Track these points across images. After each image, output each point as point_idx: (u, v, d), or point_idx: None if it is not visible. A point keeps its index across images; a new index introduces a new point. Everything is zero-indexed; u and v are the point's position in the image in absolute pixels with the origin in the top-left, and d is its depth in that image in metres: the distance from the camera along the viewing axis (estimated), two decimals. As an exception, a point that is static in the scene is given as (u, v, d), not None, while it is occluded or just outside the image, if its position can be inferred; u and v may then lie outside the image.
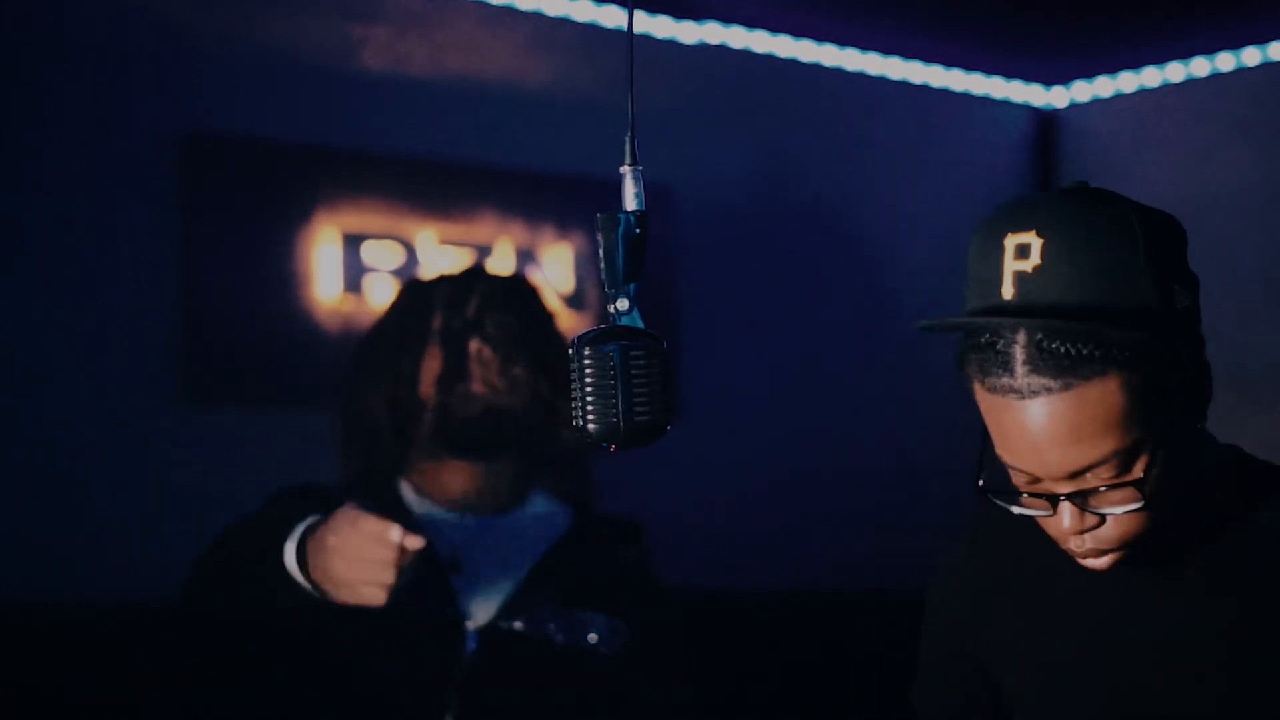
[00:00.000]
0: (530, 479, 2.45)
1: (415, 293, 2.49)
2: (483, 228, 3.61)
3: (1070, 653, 1.55)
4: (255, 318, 3.34)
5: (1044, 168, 4.45)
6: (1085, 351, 1.35)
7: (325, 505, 2.34)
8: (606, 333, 1.26)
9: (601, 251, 1.27)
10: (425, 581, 2.29)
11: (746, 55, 3.98)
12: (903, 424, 4.10)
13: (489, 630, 2.30)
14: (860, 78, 4.15)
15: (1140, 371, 1.36)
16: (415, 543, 2.08)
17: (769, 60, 4.02)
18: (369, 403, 2.42)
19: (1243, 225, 4.01)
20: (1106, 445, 1.37)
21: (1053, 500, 1.42)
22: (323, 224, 3.42)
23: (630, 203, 1.29)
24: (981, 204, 4.58)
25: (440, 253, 3.55)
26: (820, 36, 4.06)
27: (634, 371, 1.24)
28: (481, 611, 2.33)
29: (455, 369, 2.35)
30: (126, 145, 3.23)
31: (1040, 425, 1.38)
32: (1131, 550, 1.45)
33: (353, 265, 3.44)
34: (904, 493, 4.09)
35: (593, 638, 2.32)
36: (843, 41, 4.09)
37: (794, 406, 3.99)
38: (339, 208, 3.44)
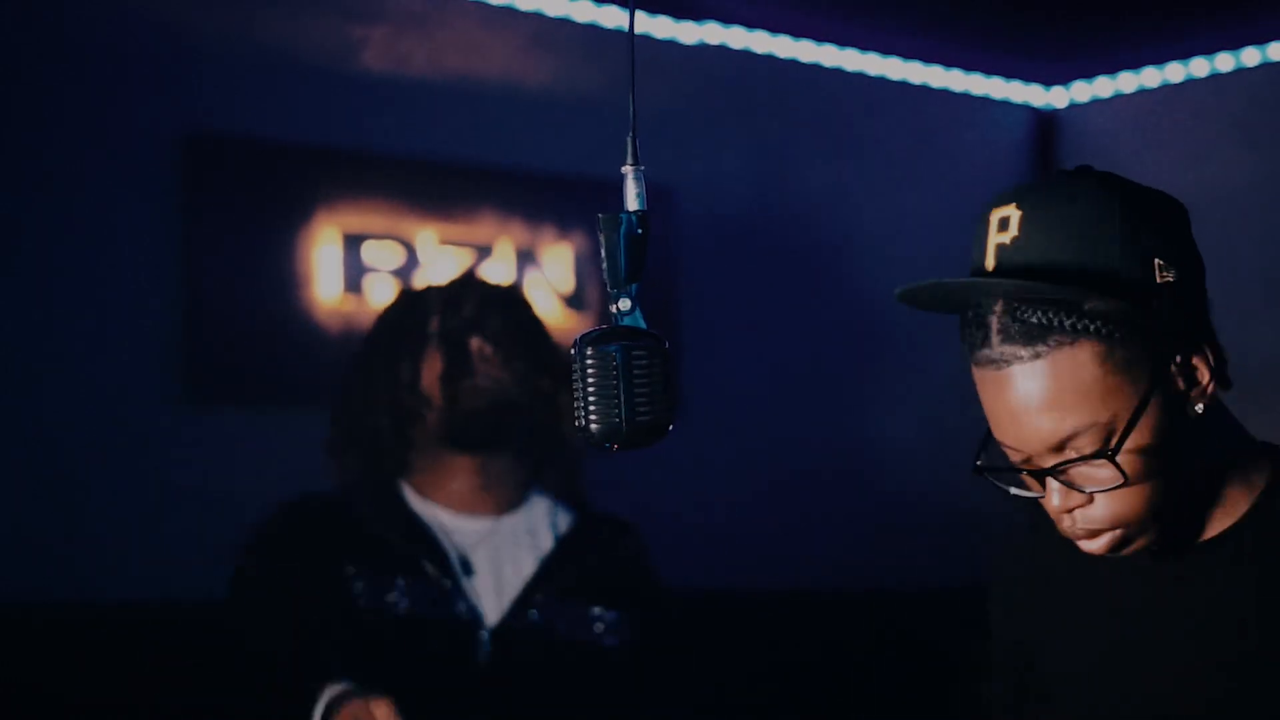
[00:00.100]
0: (530, 478, 2.47)
1: (410, 299, 2.52)
2: (483, 228, 3.61)
3: (1100, 642, 1.55)
4: (255, 318, 3.34)
5: (1043, 168, 4.44)
6: (1054, 318, 1.36)
7: (326, 515, 2.36)
8: (608, 333, 1.26)
9: (603, 251, 1.27)
10: (439, 586, 2.31)
11: (746, 55, 3.98)
12: (902, 424, 4.09)
13: (501, 630, 2.33)
14: (860, 78, 4.15)
15: (1112, 342, 1.37)
16: None
17: (769, 60, 4.02)
18: (368, 408, 2.43)
19: (1242, 225, 4.01)
20: (1080, 417, 1.38)
21: (1041, 478, 1.43)
22: (323, 224, 3.42)
23: (632, 203, 1.29)
24: (981, 204, 4.57)
25: (440, 253, 3.55)
26: (820, 36, 4.06)
27: (636, 371, 1.24)
28: (492, 612, 2.35)
29: (459, 365, 2.37)
30: (126, 145, 3.22)
31: (1013, 395, 1.39)
32: (1131, 533, 1.45)
33: (353, 265, 3.44)
34: (904, 493, 4.09)
35: (599, 627, 2.36)
36: (843, 41, 4.09)
37: (794, 406, 3.99)
38: (339, 208, 3.44)
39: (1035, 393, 1.38)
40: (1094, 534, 1.45)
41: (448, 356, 2.38)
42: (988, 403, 1.43)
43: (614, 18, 3.73)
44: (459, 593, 2.33)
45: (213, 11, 3.33)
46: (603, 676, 2.37)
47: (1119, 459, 1.39)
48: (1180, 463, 1.43)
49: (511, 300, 2.48)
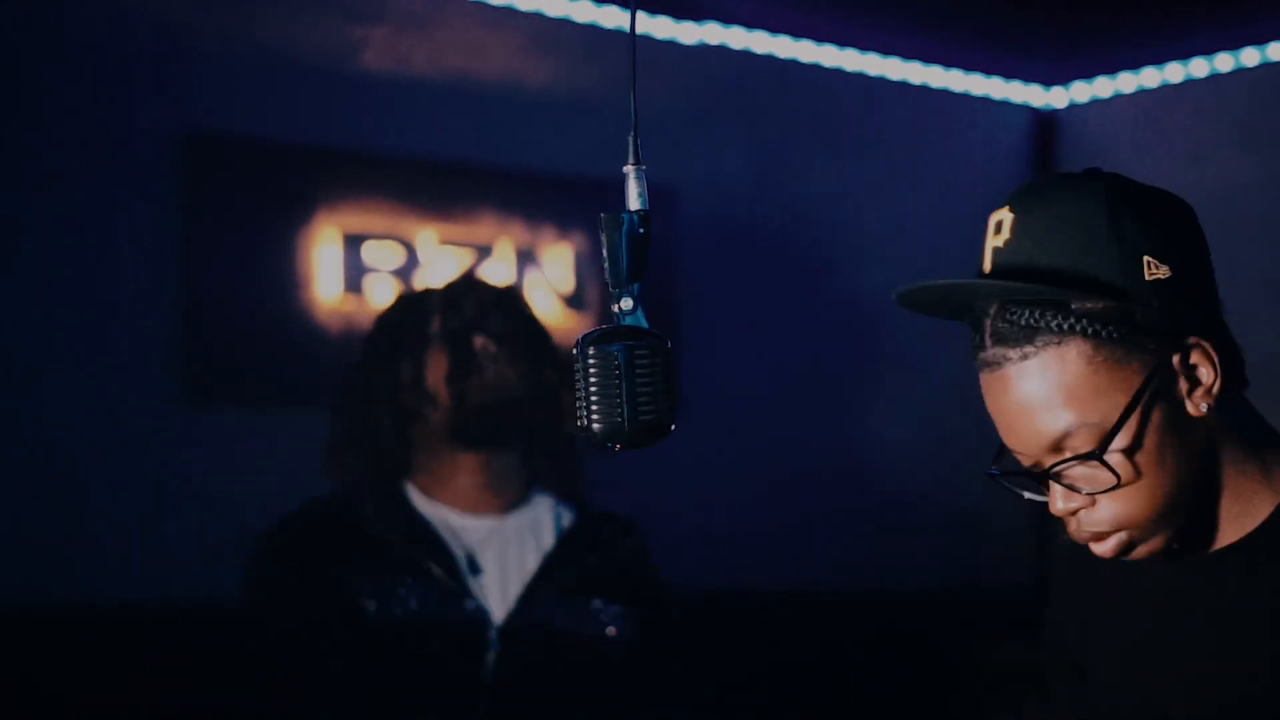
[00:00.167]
0: (532, 477, 2.48)
1: (410, 300, 2.52)
2: (483, 228, 3.61)
3: (1130, 636, 1.55)
4: (256, 318, 3.34)
5: (1043, 168, 4.44)
6: (1041, 318, 1.37)
7: (331, 520, 2.38)
8: (611, 332, 1.26)
9: (605, 251, 1.27)
10: (446, 587, 2.33)
11: (746, 56, 3.98)
12: (902, 424, 4.09)
13: (508, 628, 2.35)
14: (860, 78, 4.15)
15: (1100, 341, 1.37)
16: None
17: (769, 61, 4.02)
18: (370, 410, 2.44)
19: (1242, 225, 4.01)
20: (1071, 417, 1.38)
21: (1043, 481, 1.43)
22: (323, 224, 3.42)
23: (634, 202, 1.29)
24: (981, 204, 4.55)
25: (440, 253, 3.55)
26: (820, 37, 4.06)
27: (638, 371, 1.24)
28: (499, 610, 2.36)
29: (464, 364, 2.38)
30: (126, 145, 3.22)
31: (1006, 396, 1.41)
32: (1138, 536, 1.44)
33: (353, 265, 3.44)
34: (904, 493, 4.09)
35: (603, 623, 2.38)
36: (843, 42, 4.09)
37: (794, 406, 3.99)
38: (339, 208, 3.44)
39: (1026, 393, 1.39)
40: (1099, 536, 1.44)
41: (453, 356, 2.39)
42: (988, 406, 1.44)
43: (614, 18, 3.73)
44: (466, 592, 2.35)
45: (213, 11, 3.33)
46: (608, 672, 2.39)
47: (1114, 459, 1.39)
48: (1184, 463, 1.42)
49: (511, 300, 2.50)
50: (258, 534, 2.47)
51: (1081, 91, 4.41)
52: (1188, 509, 1.45)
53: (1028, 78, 4.38)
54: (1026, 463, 1.44)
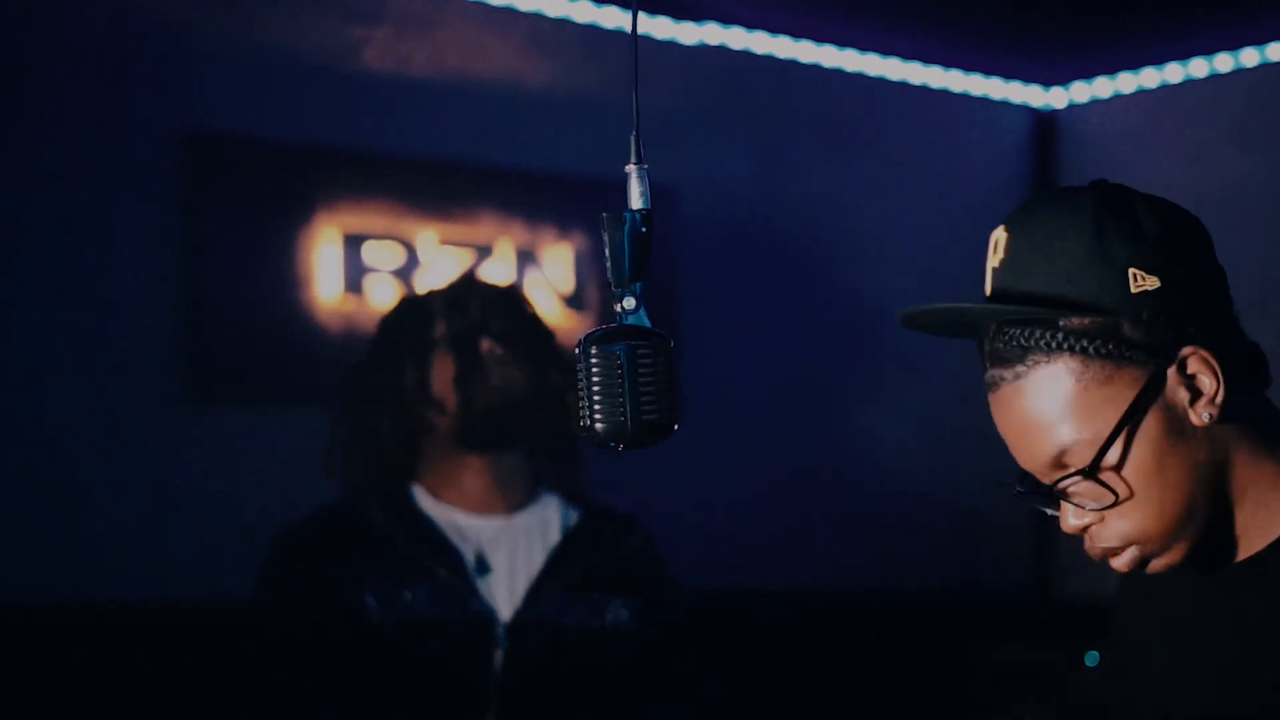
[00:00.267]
0: (539, 476, 2.49)
1: (413, 303, 2.53)
2: (483, 228, 3.60)
3: (1164, 641, 1.54)
4: (256, 318, 3.34)
5: (1043, 168, 4.45)
6: (1030, 337, 1.39)
7: (338, 525, 2.39)
8: (613, 332, 1.26)
9: (607, 250, 1.27)
10: (452, 588, 2.34)
11: (746, 56, 3.98)
12: (902, 424, 4.09)
13: (515, 626, 2.36)
14: (860, 78, 4.15)
15: (1089, 357, 1.38)
16: None
17: (769, 61, 4.02)
18: (375, 414, 2.44)
19: (1241, 225, 4.01)
20: (1065, 434, 1.39)
21: (1055, 499, 1.43)
22: (323, 224, 3.42)
23: (636, 201, 1.29)
24: (980, 204, 4.59)
25: (440, 253, 3.55)
26: (820, 37, 4.05)
27: (641, 370, 1.24)
28: (506, 608, 2.38)
29: (471, 368, 2.38)
30: (126, 145, 3.22)
31: (1005, 416, 1.42)
32: (1151, 551, 1.43)
33: (353, 265, 3.44)
34: (904, 493, 4.09)
35: (609, 618, 2.40)
36: (842, 42, 4.08)
37: (794, 406, 3.99)
38: (339, 208, 3.44)
39: (1022, 412, 1.41)
40: (1111, 552, 1.44)
41: (458, 359, 2.39)
42: (996, 426, 1.45)
43: (614, 18, 3.73)
44: (473, 592, 2.36)
45: (213, 11, 3.33)
46: (616, 667, 2.40)
47: (1110, 476, 1.39)
48: (1191, 475, 1.41)
49: (514, 300, 2.50)
50: (269, 539, 2.48)
51: (1081, 92, 4.41)
52: (1203, 520, 1.43)
53: (1028, 78, 4.38)
54: (1042, 480, 1.45)
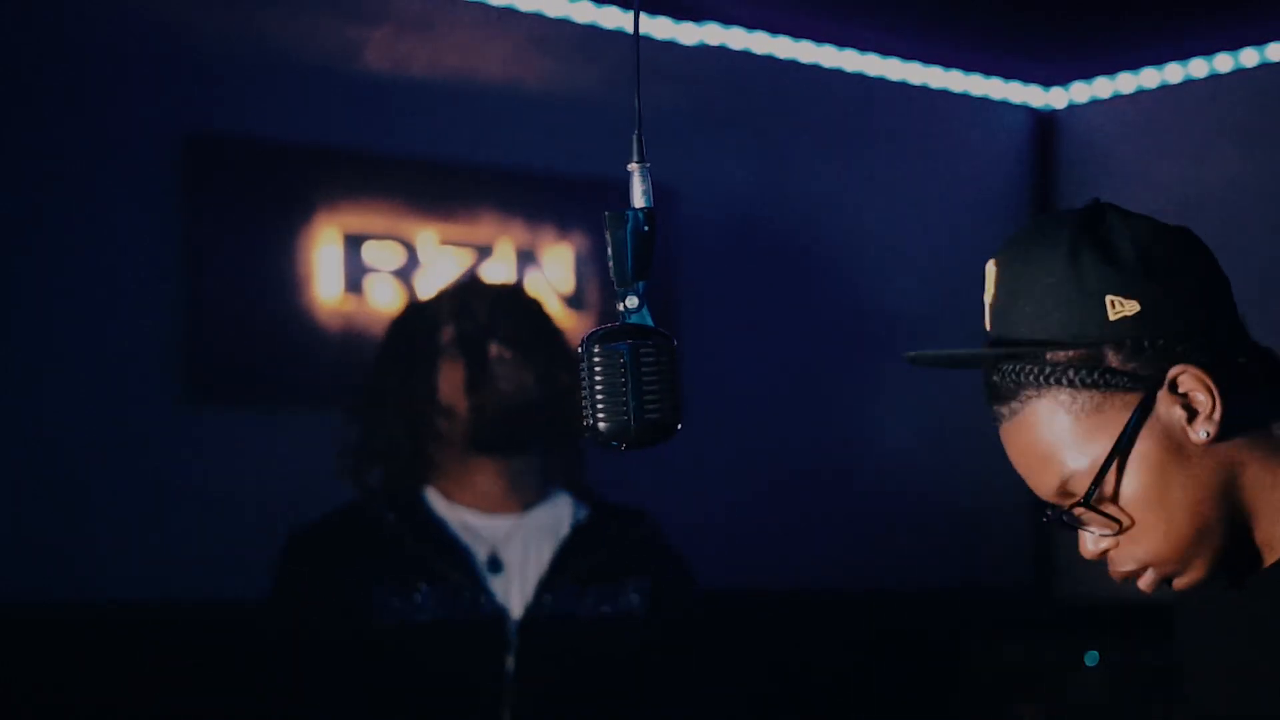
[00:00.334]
0: (551, 475, 2.50)
1: (420, 308, 2.53)
2: (483, 228, 3.60)
3: (1193, 660, 1.55)
4: (256, 318, 3.34)
5: (1042, 168, 4.45)
6: (1020, 374, 1.40)
7: (349, 529, 2.40)
8: (616, 331, 1.26)
9: (610, 249, 1.27)
10: (462, 588, 2.35)
11: (746, 56, 3.98)
12: (902, 424, 4.09)
13: (526, 622, 2.37)
14: (860, 78, 4.15)
15: (1076, 388, 1.39)
16: None
17: (769, 61, 4.02)
18: (386, 420, 2.46)
19: (1240, 225, 4.01)
20: (1063, 466, 1.40)
21: (1074, 527, 1.44)
22: (323, 224, 3.42)
23: (638, 199, 1.28)
24: (980, 204, 4.59)
25: (441, 253, 3.55)
26: (820, 37, 4.05)
27: (644, 369, 1.24)
28: (518, 606, 2.39)
29: (480, 373, 2.39)
30: (127, 145, 3.22)
31: (1010, 450, 1.45)
32: (1171, 571, 1.42)
33: (353, 266, 3.44)
34: (904, 493, 4.09)
35: (620, 607, 2.42)
36: (842, 42, 4.08)
37: (794, 406, 3.99)
38: (340, 208, 3.44)
39: (1022, 446, 1.43)
40: (1131, 574, 1.44)
41: (468, 365, 2.40)
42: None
43: (614, 18, 3.73)
44: (484, 592, 2.37)
45: (213, 12, 3.33)
46: (623, 659, 2.42)
47: (1106, 505, 1.40)
48: (1197, 494, 1.40)
49: (521, 300, 2.51)
50: (272, 540, 2.48)
51: (1081, 92, 4.41)
52: (1220, 535, 1.42)
53: (1027, 78, 4.38)
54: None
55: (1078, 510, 1.41)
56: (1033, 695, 3.78)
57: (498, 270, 3.59)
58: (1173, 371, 1.38)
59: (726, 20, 3.92)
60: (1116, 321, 1.38)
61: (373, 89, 3.49)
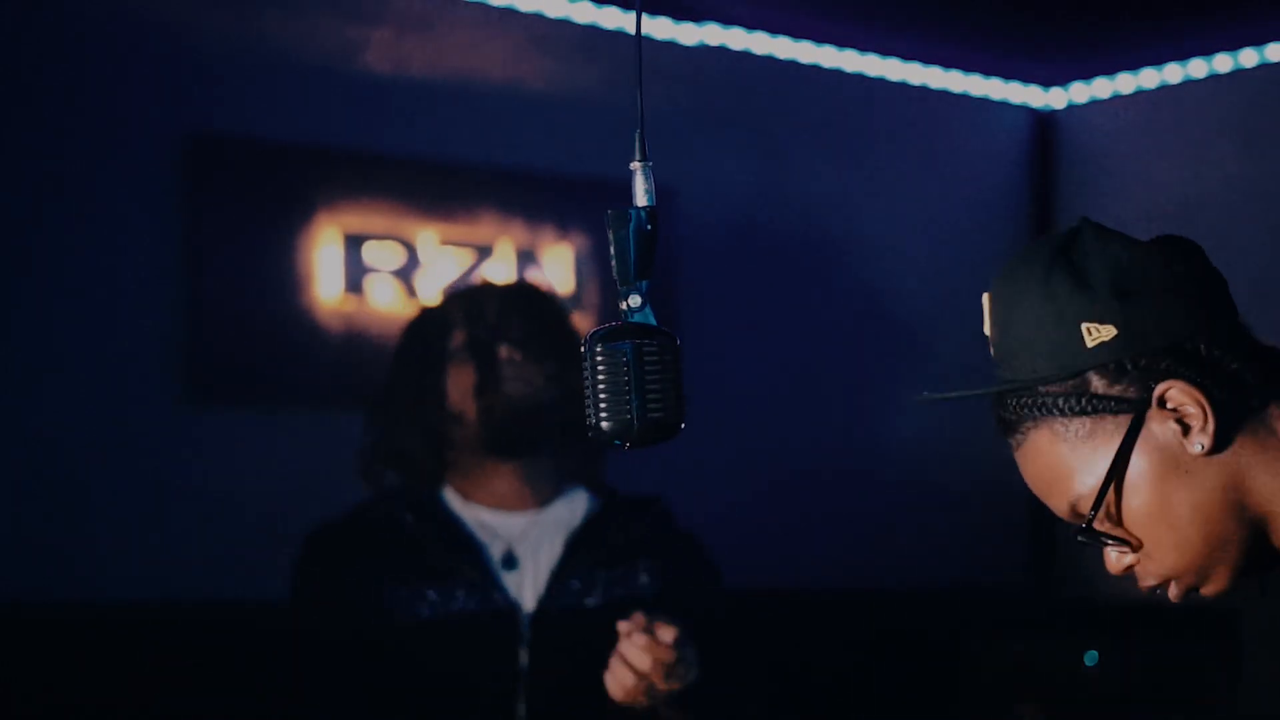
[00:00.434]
0: (568, 472, 2.51)
1: (433, 313, 2.54)
2: (483, 228, 3.61)
3: (1255, 666, 1.54)
4: (256, 318, 3.34)
5: (1042, 169, 4.45)
6: (1017, 407, 1.43)
7: (363, 529, 2.40)
8: (619, 330, 1.26)
9: (613, 248, 1.26)
10: (476, 586, 2.36)
11: (746, 56, 3.98)
12: (902, 424, 4.09)
13: (539, 615, 2.38)
14: (859, 79, 4.15)
15: (1066, 416, 1.40)
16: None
17: (769, 62, 4.02)
18: (401, 425, 2.46)
19: (1239, 225, 4.02)
20: (1067, 492, 1.42)
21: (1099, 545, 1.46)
22: (324, 224, 3.42)
23: (641, 198, 1.28)
24: (980, 204, 4.59)
25: (441, 253, 3.55)
26: (819, 38, 4.06)
27: (648, 368, 1.24)
28: (531, 598, 2.40)
29: (490, 376, 2.40)
30: (127, 146, 3.22)
31: (1024, 477, 1.47)
32: (1194, 580, 1.43)
33: (354, 266, 3.44)
34: (904, 493, 4.09)
35: (640, 579, 2.42)
36: (842, 43, 4.09)
37: (794, 406, 3.99)
38: (340, 208, 3.44)
39: (1031, 474, 1.45)
40: (1157, 588, 1.45)
41: (478, 369, 2.41)
42: None
43: (614, 18, 3.73)
44: (497, 588, 2.38)
45: (213, 12, 3.33)
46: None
47: (1106, 525, 1.41)
48: (1203, 505, 1.40)
49: (531, 300, 2.51)
50: (279, 542, 2.49)
51: (1080, 92, 4.41)
52: (1239, 542, 1.42)
53: (1027, 78, 4.38)
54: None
55: (1097, 526, 1.42)
56: (1033, 695, 3.78)
57: (499, 270, 3.59)
58: (1159, 389, 1.38)
59: (726, 20, 3.92)
60: (1095, 347, 1.39)
61: (373, 89, 3.49)
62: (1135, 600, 1.63)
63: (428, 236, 3.53)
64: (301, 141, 3.41)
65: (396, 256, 3.49)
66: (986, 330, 1.47)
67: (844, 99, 4.13)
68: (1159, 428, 1.39)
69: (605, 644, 2.23)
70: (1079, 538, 1.43)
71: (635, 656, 2.14)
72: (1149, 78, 4.29)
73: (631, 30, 1.32)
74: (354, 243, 3.44)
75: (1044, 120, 4.46)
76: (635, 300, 1.27)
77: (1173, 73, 4.24)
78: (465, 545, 2.40)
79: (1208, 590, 1.44)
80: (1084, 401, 1.39)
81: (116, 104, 3.20)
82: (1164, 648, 3.69)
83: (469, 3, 3.62)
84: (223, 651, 3.09)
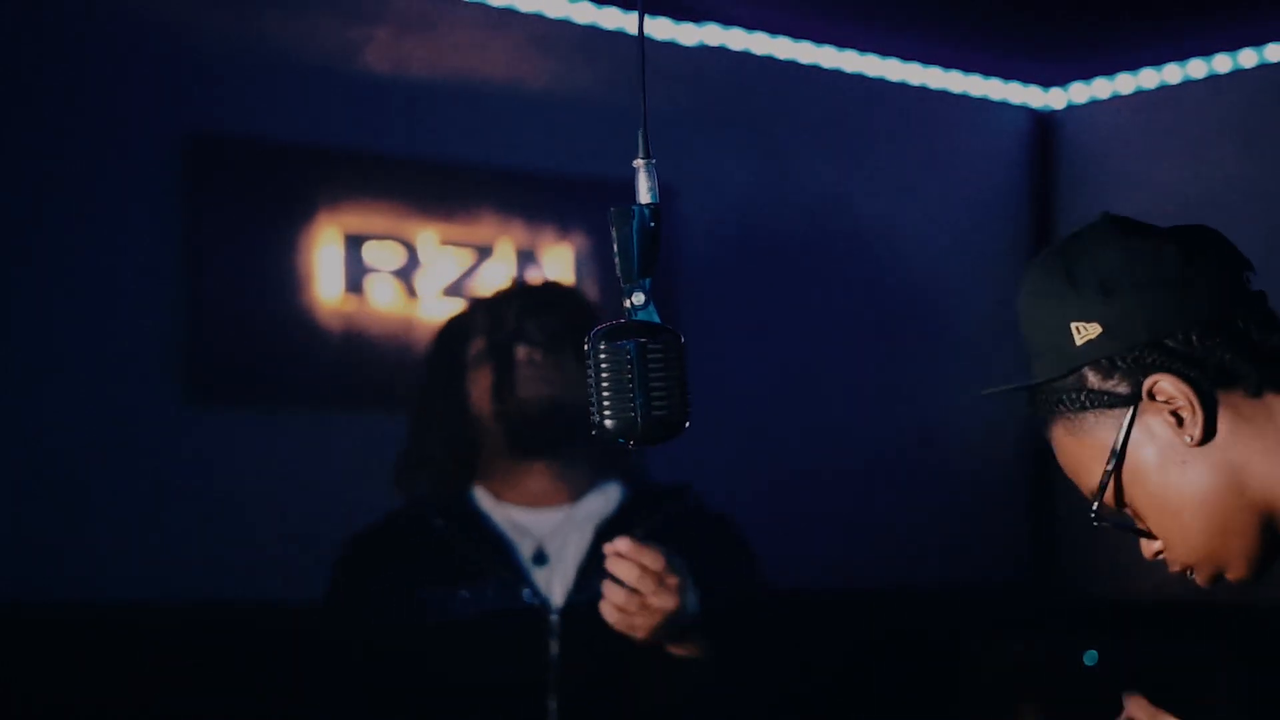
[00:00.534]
0: (602, 465, 2.50)
1: (455, 320, 2.55)
2: (483, 228, 3.61)
3: None
4: (257, 318, 3.34)
5: (1042, 169, 4.45)
6: (1038, 404, 1.48)
7: (395, 532, 2.42)
8: (622, 327, 1.26)
9: (616, 246, 1.26)
10: (508, 584, 2.37)
11: (746, 57, 3.98)
12: (903, 424, 4.10)
13: (568, 609, 2.38)
14: (859, 79, 4.15)
15: (1071, 414, 1.45)
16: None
17: (769, 62, 4.02)
18: (430, 430, 2.48)
19: (1239, 225, 4.00)
20: (1084, 484, 1.47)
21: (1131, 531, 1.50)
22: (324, 224, 3.42)
23: (644, 196, 1.28)
24: (980, 204, 4.59)
25: (441, 253, 3.55)
26: (819, 38, 4.06)
27: (651, 366, 1.24)
28: (560, 592, 2.40)
29: (507, 379, 2.41)
30: (128, 146, 3.22)
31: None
32: (1216, 568, 1.44)
33: (354, 266, 3.44)
34: (904, 493, 4.09)
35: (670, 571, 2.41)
36: (842, 43, 4.09)
37: (794, 406, 3.99)
38: (340, 208, 3.44)
39: (1061, 465, 1.50)
40: (1187, 573, 1.47)
41: (497, 371, 2.41)
42: None
43: (614, 19, 3.73)
44: (527, 584, 2.38)
45: (214, 12, 3.33)
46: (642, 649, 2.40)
47: (1139, 514, 1.45)
48: (1203, 495, 1.41)
49: (556, 296, 2.52)
50: (281, 542, 2.49)
51: (1080, 92, 4.41)
52: (1246, 530, 1.43)
53: (1026, 79, 4.38)
54: None
55: (1126, 511, 1.46)
56: (1033, 695, 3.78)
57: (501, 270, 3.59)
58: (1148, 382, 1.41)
59: (726, 20, 3.92)
60: (1084, 345, 1.43)
61: (373, 89, 3.49)
62: (1135, 600, 1.65)
63: (428, 237, 3.53)
64: (301, 141, 3.41)
65: (397, 257, 3.49)
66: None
67: (844, 99, 4.13)
68: (1155, 420, 1.41)
69: (620, 637, 2.23)
70: (1106, 524, 1.47)
71: (622, 569, 2.11)
72: (1149, 78, 4.29)
73: (631, 30, 1.32)
74: (354, 243, 3.44)
75: (1044, 120, 4.46)
76: (639, 298, 1.27)
77: (1172, 73, 4.24)
78: (496, 545, 2.40)
79: (1232, 576, 1.46)
80: (1082, 397, 1.44)
81: (116, 104, 3.20)
82: (1164, 648, 3.69)
83: (469, 3, 3.62)
84: (223, 651, 3.09)
